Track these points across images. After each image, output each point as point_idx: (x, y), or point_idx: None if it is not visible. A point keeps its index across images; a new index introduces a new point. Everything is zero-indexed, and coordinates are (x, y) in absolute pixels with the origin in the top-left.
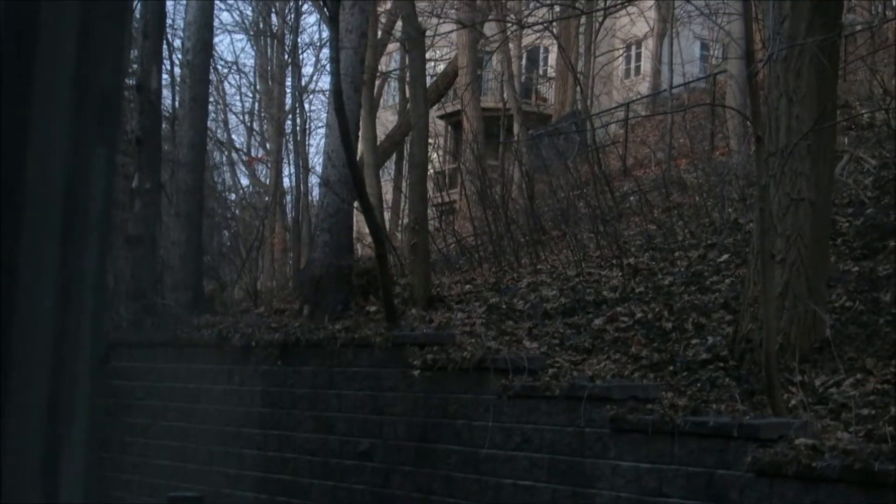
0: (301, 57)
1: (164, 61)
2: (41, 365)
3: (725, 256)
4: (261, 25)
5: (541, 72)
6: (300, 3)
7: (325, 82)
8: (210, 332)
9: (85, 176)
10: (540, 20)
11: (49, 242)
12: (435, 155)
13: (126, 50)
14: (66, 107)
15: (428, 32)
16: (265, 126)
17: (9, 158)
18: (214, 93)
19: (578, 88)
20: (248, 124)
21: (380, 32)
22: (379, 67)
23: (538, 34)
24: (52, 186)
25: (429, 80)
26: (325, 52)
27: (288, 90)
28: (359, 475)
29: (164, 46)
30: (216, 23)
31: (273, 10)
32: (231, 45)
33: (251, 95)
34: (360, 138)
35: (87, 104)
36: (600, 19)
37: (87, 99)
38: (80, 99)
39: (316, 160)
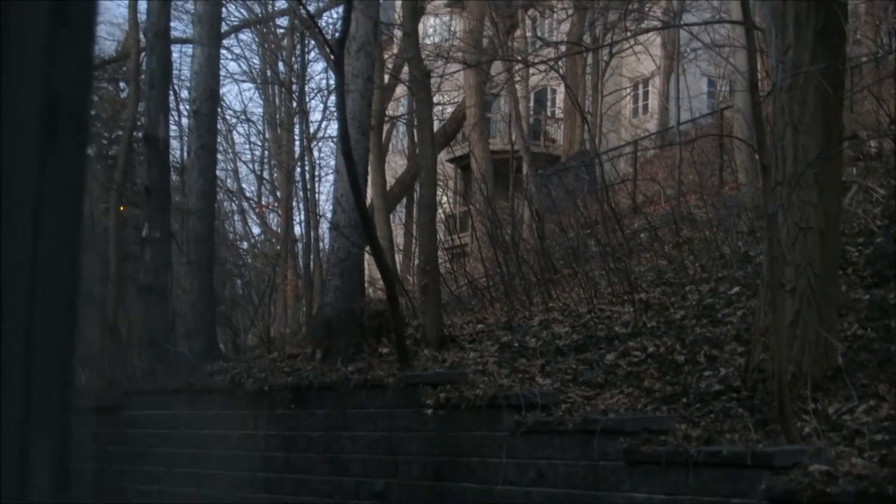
0: (309, 104)
1: (172, 111)
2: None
3: (736, 289)
4: (268, 74)
5: (549, 113)
6: (307, 51)
7: (333, 129)
8: (223, 378)
9: (57, 188)
10: (545, 58)
11: (18, 252)
12: (445, 198)
13: (92, 53)
14: (32, 114)
15: (434, 74)
16: (275, 174)
17: None
18: (223, 142)
19: (586, 128)
20: (258, 172)
21: (386, 77)
22: (387, 112)
23: (545, 75)
24: (19, 198)
25: (437, 124)
26: (333, 98)
27: (296, 137)
28: None
29: (172, 96)
30: (223, 72)
31: (280, 58)
32: (239, 95)
33: (260, 144)
34: (369, 182)
35: (55, 110)
36: (606, 58)
37: (55, 104)
38: (48, 105)
39: (326, 206)
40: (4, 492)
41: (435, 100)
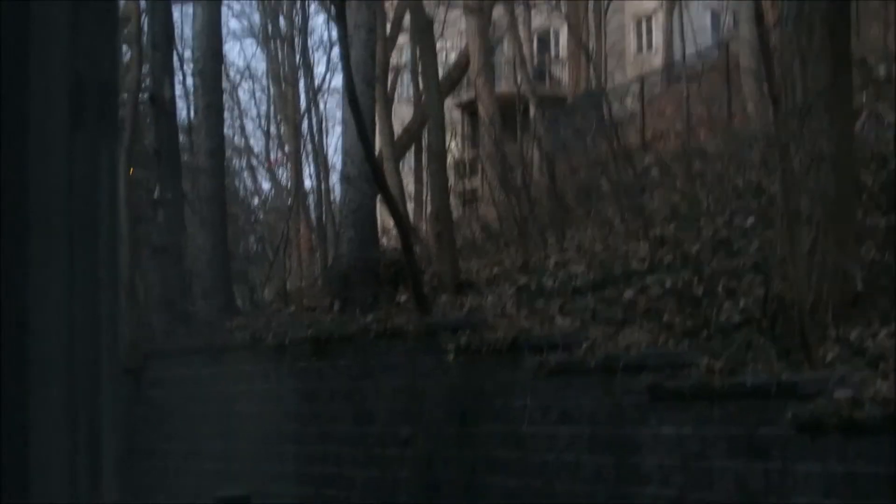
0: (312, 57)
1: (176, 72)
2: (58, 366)
3: (751, 220)
4: (269, 29)
5: (553, 54)
6: (307, 4)
7: (338, 81)
8: (243, 334)
9: (89, 172)
10: None
11: (57, 241)
12: (453, 144)
13: (119, 43)
14: (63, 103)
15: (436, 21)
16: (282, 129)
17: (9, 160)
18: (229, 100)
19: (591, 67)
20: (265, 128)
21: (388, 26)
22: (391, 61)
23: (547, 15)
24: (55, 185)
25: (441, 71)
26: (336, 51)
27: (302, 92)
28: (402, 463)
29: (175, 57)
30: (224, 30)
31: (281, 13)
32: (242, 52)
33: (265, 99)
34: (377, 133)
35: (85, 99)
36: None
37: (85, 94)
38: (78, 94)
39: (335, 158)
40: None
41: (438, 46)
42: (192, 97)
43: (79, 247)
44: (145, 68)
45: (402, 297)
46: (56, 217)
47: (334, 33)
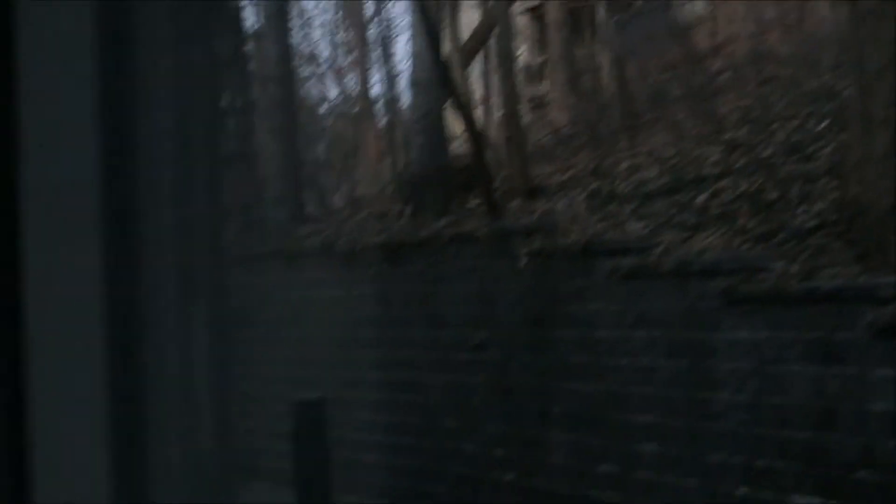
0: None
1: None
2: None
3: (825, 123)
4: None
5: None
6: None
7: None
8: (314, 240)
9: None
10: None
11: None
12: (522, 48)
13: None
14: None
15: None
16: (349, 35)
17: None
18: (296, 6)
19: None
20: (332, 35)
21: None
22: None
23: None
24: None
25: None
26: None
27: None
28: (476, 367)
29: None
30: None
31: None
32: None
33: (332, 6)
34: (445, 38)
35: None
36: None
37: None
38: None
39: (403, 64)
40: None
41: None
42: (258, 4)
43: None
44: None
45: (474, 203)
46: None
47: None
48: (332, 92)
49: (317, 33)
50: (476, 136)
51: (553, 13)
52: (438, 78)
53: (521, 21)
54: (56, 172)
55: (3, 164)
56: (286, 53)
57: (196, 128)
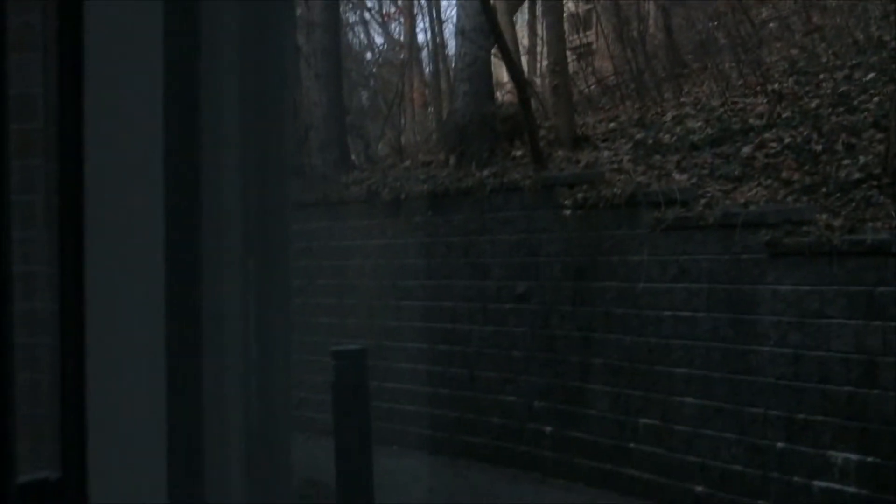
0: None
1: None
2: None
3: (872, 75)
4: None
5: None
6: None
7: None
8: (359, 188)
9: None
10: None
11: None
12: None
13: None
14: None
15: None
16: None
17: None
18: None
19: None
20: None
21: None
22: None
23: None
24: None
25: None
26: None
27: None
28: (518, 318)
29: None
30: None
31: None
32: None
33: None
34: None
35: None
36: None
37: None
38: None
39: (449, 12)
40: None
41: None
42: None
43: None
44: None
45: (518, 152)
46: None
47: None
48: (378, 39)
49: None
50: (521, 85)
51: None
52: (485, 26)
53: None
54: (121, 161)
55: (71, 157)
56: None
57: (263, 110)
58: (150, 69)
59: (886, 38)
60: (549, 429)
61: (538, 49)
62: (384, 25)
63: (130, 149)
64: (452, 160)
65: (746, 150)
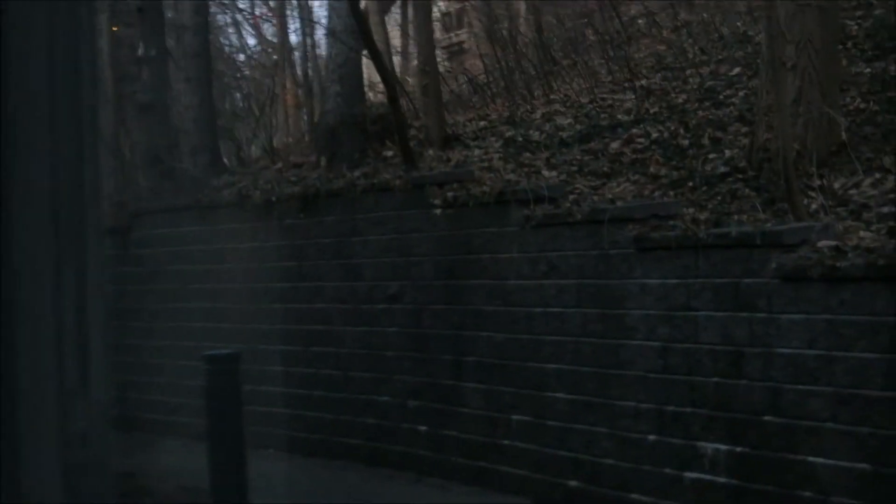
0: None
1: None
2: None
3: (737, 70)
4: None
5: None
6: None
7: None
8: (230, 191)
9: (70, 31)
10: None
11: (40, 101)
12: None
13: None
14: None
15: None
16: None
17: None
18: None
19: None
20: None
21: None
22: None
23: None
24: (35, 45)
25: None
26: None
27: None
28: (390, 318)
29: None
30: None
31: None
32: None
33: None
34: None
35: None
36: None
37: None
38: None
39: (320, 13)
40: None
41: None
42: None
43: (60, 107)
44: None
45: (389, 152)
46: (37, 77)
47: None
48: (251, 40)
49: None
50: (392, 84)
51: None
52: (355, 26)
53: None
54: None
55: None
56: (203, 2)
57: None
58: None
59: (751, 33)
60: (423, 428)
61: (410, 50)
62: (256, 27)
63: None
64: (324, 161)
65: (614, 145)
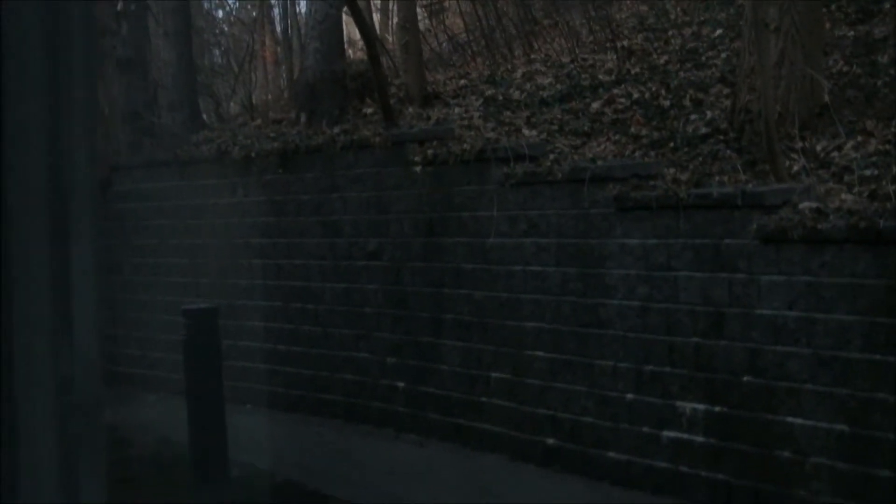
0: None
1: None
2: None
3: (719, 31)
4: None
5: None
6: None
7: None
8: (209, 147)
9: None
10: None
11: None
12: None
13: None
14: None
15: None
16: None
17: None
18: None
19: None
20: None
21: None
22: None
23: None
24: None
25: None
26: None
27: None
28: (369, 275)
29: None
30: None
31: None
32: None
33: None
34: None
35: None
36: None
37: None
38: None
39: None
40: None
41: None
42: None
43: (56, 100)
44: None
45: (369, 109)
46: (34, 70)
47: None
48: None
49: None
50: (372, 41)
51: None
52: None
53: None
54: None
55: None
56: None
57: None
58: None
59: None
60: (401, 384)
61: (390, 7)
62: None
63: None
64: (303, 118)
65: (595, 105)
